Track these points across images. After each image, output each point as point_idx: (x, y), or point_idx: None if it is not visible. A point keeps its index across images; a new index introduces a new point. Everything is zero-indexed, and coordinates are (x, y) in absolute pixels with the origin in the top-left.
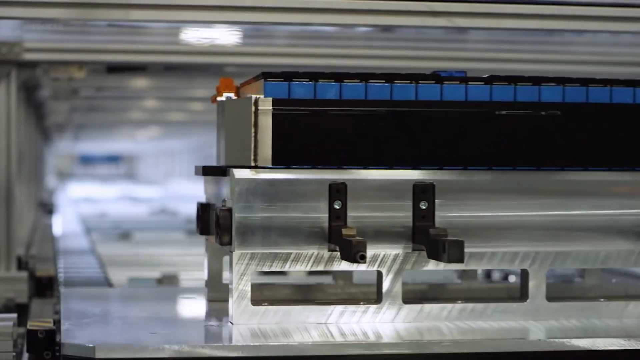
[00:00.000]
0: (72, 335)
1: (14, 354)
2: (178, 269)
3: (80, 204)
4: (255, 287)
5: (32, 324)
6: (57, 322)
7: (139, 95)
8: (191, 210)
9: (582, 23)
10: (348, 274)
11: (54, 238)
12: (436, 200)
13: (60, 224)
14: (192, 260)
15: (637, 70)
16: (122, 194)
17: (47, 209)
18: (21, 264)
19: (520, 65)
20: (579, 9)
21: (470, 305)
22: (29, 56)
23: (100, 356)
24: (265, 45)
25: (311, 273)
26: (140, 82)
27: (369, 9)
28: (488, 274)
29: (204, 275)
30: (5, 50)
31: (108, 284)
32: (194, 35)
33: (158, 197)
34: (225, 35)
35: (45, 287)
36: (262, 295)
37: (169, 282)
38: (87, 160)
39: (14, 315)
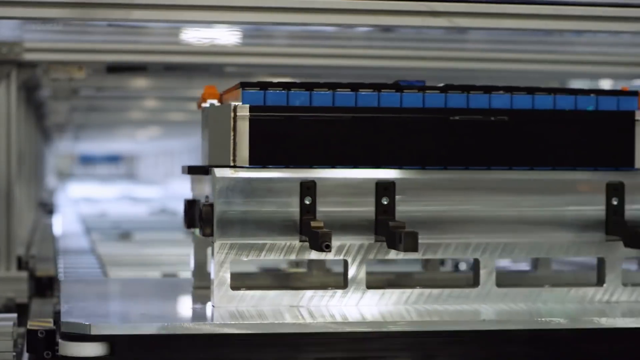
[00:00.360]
0: (71, 315)
1: (14, 353)
2: (178, 269)
3: (80, 203)
4: (236, 276)
5: (32, 324)
6: (57, 313)
7: (139, 95)
8: None
9: (581, 23)
10: (321, 264)
11: (54, 238)
12: (396, 197)
13: (60, 224)
14: None
15: (637, 70)
16: (122, 194)
17: (47, 208)
18: (21, 264)
19: (520, 65)
20: (578, 9)
21: (427, 291)
22: (29, 56)
23: (95, 332)
24: (265, 45)
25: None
26: (140, 82)
27: (369, 9)
28: (456, 265)
29: (191, 265)
30: (5, 50)
31: None
32: (194, 35)
33: (158, 197)
34: (225, 35)
35: (45, 287)
36: (243, 282)
37: None
38: (87, 160)
39: (14, 315)
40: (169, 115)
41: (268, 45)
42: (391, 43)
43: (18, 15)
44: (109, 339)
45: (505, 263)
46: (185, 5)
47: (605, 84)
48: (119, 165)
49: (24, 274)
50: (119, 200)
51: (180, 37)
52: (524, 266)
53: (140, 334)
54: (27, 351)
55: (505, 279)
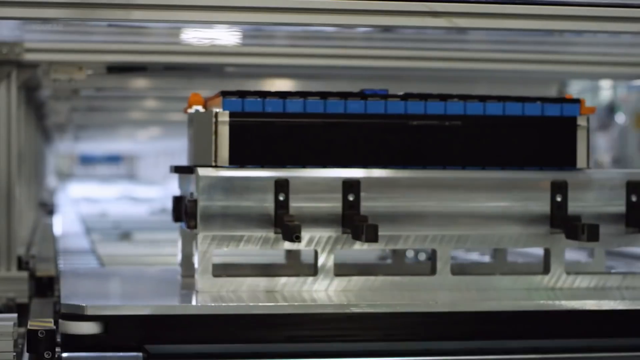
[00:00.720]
0: (69, 298)
1: (15, 353)
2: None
3: (80, 204)
4: (219, 266)
5: (32, 324)
6: (58, 296)
7: (139, 95)
8: None
9: (581, 23)
10: (296, 254)
11: (54, 238)
12: (361, 193)
13: (61, 224)
14: None
15: (637, 70)
16: (123, 194)
17: (48, 209)
18: (21, 264)
19: (520, 65)
20: (578, 10)
21: (389, 278)
22: (30, 56)
23: (90, 313)
24: (265, 45)
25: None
26: (140, 83)
27: (369, 9)
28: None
29: (178, 256)
30: (5, 51)
31: None
32: (195, 36)
33: (158, 197)
34: (226, 36)
35: (45, 287)
36: (225, 271)
37: None
38: (87, 160)
39: (15, 315)
40: (169, 116)
41: (268, 46)
42: (391, 43)
43: (18, 16)
44: (103, 319)
45: (466, 255)
46: (186, 6)
47: (605, 84)
48: (119, 165)
49: (24, 274)
50: (119, 200)
51: (180, 38)
52: (484, 258)
53: (131, 314)
54: (28, 351)
55: (462, 269)
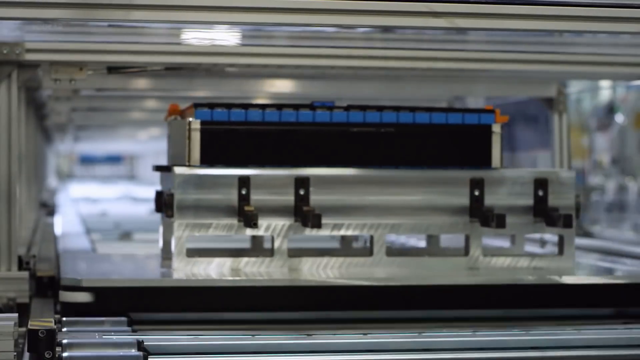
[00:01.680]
0: (67, 273)
1: (15, 353)
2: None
3: (81, 204)
4: (194, 251)
5: (33, 324)
6: (57, 268)
7: (139, 95)
8: None
9: (581, 24)
10: (260, 240)
11: (55, 238)
12: (310, 189)
13: (61, 224)
14: None
15: (636, 70)
16: (123, 194)
17: (48, 209)
18: (22, 264)
19: (520, 65)
20: (578, 10)
21: (333, 259)
22: (30, 57)
23: (86, 285)
24: (265, 45)
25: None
26: (141, 83)
27: (369, 10)
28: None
29: (159, 242)
30: (6, 51)
31: None
32: (195, 36)
33: None
34: (226, 36)
35: (46, 287)
36: (198, 253)
37: None
38: (88, 160)
39: (15, 315)
40: None
41: (268, 46)
42: (391, 44)
43: (19, 16)
44: (95, 290)
45: (405, 240)
46: (186, 6)
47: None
48: (119, 165)
49: (25, 274)
50: (119, 200)
51: (180, 38)
52: (422, 243)
53: (117, 286)
54: (28, 351)
55: (400, 252)
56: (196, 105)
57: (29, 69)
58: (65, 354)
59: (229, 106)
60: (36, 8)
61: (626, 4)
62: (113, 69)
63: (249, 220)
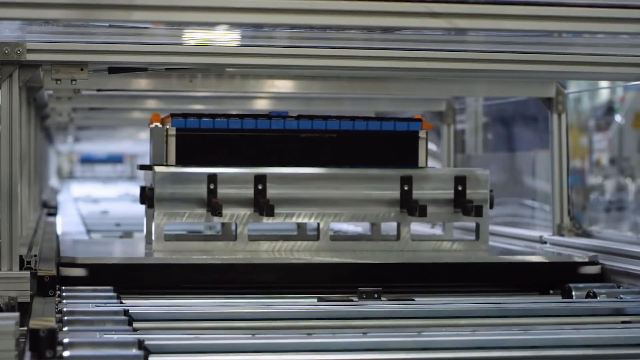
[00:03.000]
0: (66, 252)
1: (16, 352)
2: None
3: (82, 203)
4: (172, 236)
5: (34, 323)
6: (58, 250)
7: (140, 95)
8: None
9: (580, 24)
10: (229, 227)
11: (56, 238)
12: (267, 184)
13: (63, 223)
14: None
15: (635, 71)
16: (124, 194)
17: (50, 208)
18: (23, 264)
19: (519, 66)
20: (577, 10)
21: (286, 243)
22: (31, 57)
23: (80, 262)
24: (265, 45)
25: None
26: (141, 83)
27: (369, 10)
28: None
29: (144, 229)
30: (7, 51)
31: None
32: (195, 36)
33: None
34: (226, 36)
35: (47, 286)
36: (175, 238)
37: None
38: (88, 160)
39: (16, 314)
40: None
41: (268, 46)
42: (390, 44)
43: (20, 16)
44: (87, 266)
45: (354, 228)
46: (187, 7)
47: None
48: (120, 165)
49: (26, 274)
50: (120, 200)
51: (181, 38)
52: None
53: (106, 263)
54: (29, 350)
55: (340, 237)
56: (173, 115)
57: (30, 69)
58: (66, 353)
59: (199, 116)
60: (37, 8)
61: (624, 5)
62: (114, 69)
63: (215, 210)
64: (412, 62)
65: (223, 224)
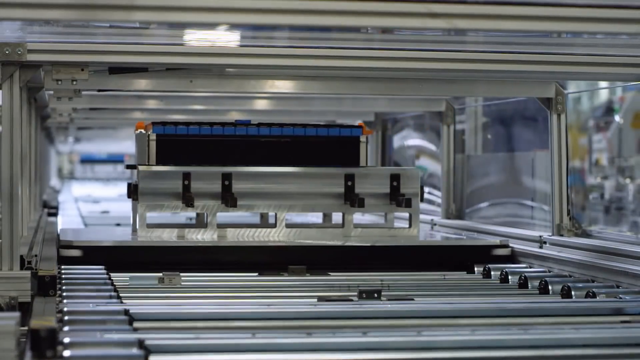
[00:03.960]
0: (65, 236)
1: (17, 352)
2: (179, 268)
3: (82, 203)
4: (153, 225)
5: (34, 323)
6: (58, 236)
7: (140, 96)
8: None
9: (579, 25)
10: (202, 217)
11: (57, 237)
12: (233, 181)
13: (63, 223)
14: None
15: (634, 71)
16: (124, 194)
17: (50, 208)
18: (24, 263)
19: (519, 66)
20: (576, 11)
21: (249, 230)
22: (32, 57)
23: (77, 245)
24: (265, 46)
25: None
26: (141, 83)
27: (369, 11)
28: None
29: (131, 219)
30: (8, 51)
31: (110, 282)
32: (196, 37)
33: None
34: (227, 37)
35: (47, 286)
36: (156, 226)
37: (170, 282)
38: (89, 160)
39: (17, 314)
40: (170, 116)
41: (268, 46)
42: (390, 44)
43: (21, 17)
44: (82, 248)
45: (312, 219)
46: (187, 7)
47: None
48: (120, 165)
49: (26, 274)
50: (120, 200)
51: (181, 39)
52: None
53: (98, 246)
54: (30, 350)
55: (294, 225)
56: (154, 124)
57: (31, 70)
58: (66, 353)
59: (176, 124)
60: (38, 9)
61: (624, 5)
62: (114, 70)
63: (188, 202)
64: (412, 62)
65: (197, 214)
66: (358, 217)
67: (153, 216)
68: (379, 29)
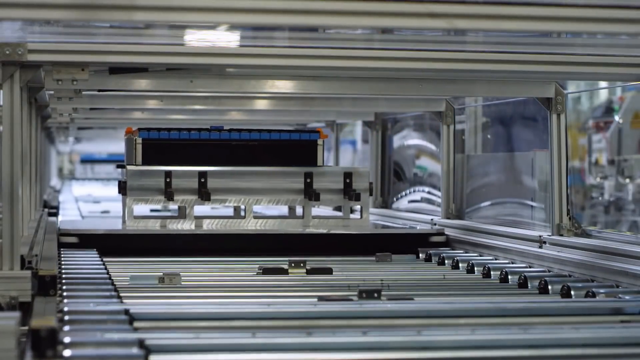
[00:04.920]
0: (64, 225)
1: (17, 352)
2: (179, 267)
3: (82, 203)
4: (140, 217)
5: (35, 323)
6: (58, 228)
7: (141, 96)
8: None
9: (579, 25)
10: (184, 209)
11: (57, 237)
12: (208, 178)
13: (63, 222)
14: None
15: (633, 71)
16: None
17: (51, 208)
18: (24, 263)
19: (518, 66)
20: (576, 11)
21: (222, 221)
22: (32, 57)
23: (74, 233)
24: (265, 46)
25: None
26: (142, 83)
27: (369, 11)
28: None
29: (121, 212)
30: (9, 51)
31: (110, 282)
32: (196, 37)
33: None
34: (227, 37)
35: (48, 285)
36: (143, 217)
37: (170, 281)
38: (89, 160)
39: (18, 313)
40: (170, 116)
41: (268, 46)
42: (390, 45)
43: (21, 17)
44: (79, 235)
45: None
46: (187, 7)
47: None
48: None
49: (27, 273)
50: (120, 200)
51: (182, 39)
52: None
53: (92, 233)
54: (31, 349)
55: (261, 216)
56: (140, 129)
57: (31, 70)
58: (67, 353)
59: (159, 130)
60: (38, 9)
61: (624, 5)
62: (115, 70)
63: (169, 197)
64: (412, 62)
65: (179, 208)
66: (322, 211)
67: (141, 209)
68: (379, 29)
